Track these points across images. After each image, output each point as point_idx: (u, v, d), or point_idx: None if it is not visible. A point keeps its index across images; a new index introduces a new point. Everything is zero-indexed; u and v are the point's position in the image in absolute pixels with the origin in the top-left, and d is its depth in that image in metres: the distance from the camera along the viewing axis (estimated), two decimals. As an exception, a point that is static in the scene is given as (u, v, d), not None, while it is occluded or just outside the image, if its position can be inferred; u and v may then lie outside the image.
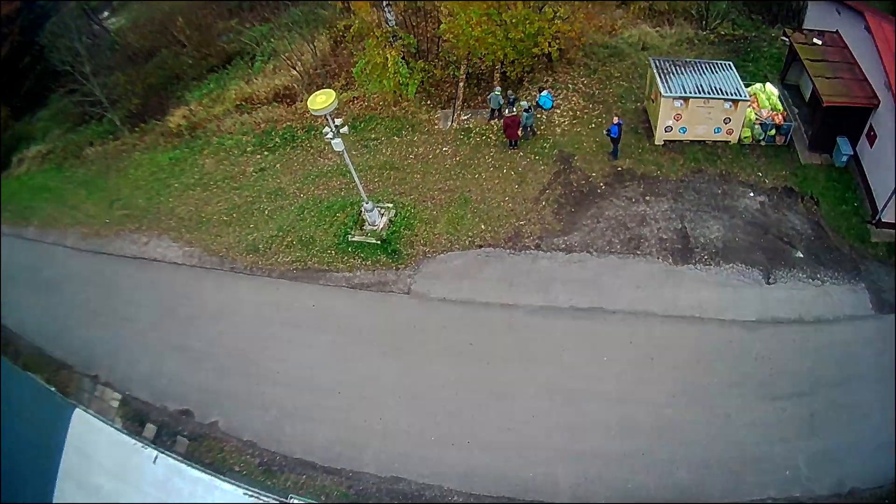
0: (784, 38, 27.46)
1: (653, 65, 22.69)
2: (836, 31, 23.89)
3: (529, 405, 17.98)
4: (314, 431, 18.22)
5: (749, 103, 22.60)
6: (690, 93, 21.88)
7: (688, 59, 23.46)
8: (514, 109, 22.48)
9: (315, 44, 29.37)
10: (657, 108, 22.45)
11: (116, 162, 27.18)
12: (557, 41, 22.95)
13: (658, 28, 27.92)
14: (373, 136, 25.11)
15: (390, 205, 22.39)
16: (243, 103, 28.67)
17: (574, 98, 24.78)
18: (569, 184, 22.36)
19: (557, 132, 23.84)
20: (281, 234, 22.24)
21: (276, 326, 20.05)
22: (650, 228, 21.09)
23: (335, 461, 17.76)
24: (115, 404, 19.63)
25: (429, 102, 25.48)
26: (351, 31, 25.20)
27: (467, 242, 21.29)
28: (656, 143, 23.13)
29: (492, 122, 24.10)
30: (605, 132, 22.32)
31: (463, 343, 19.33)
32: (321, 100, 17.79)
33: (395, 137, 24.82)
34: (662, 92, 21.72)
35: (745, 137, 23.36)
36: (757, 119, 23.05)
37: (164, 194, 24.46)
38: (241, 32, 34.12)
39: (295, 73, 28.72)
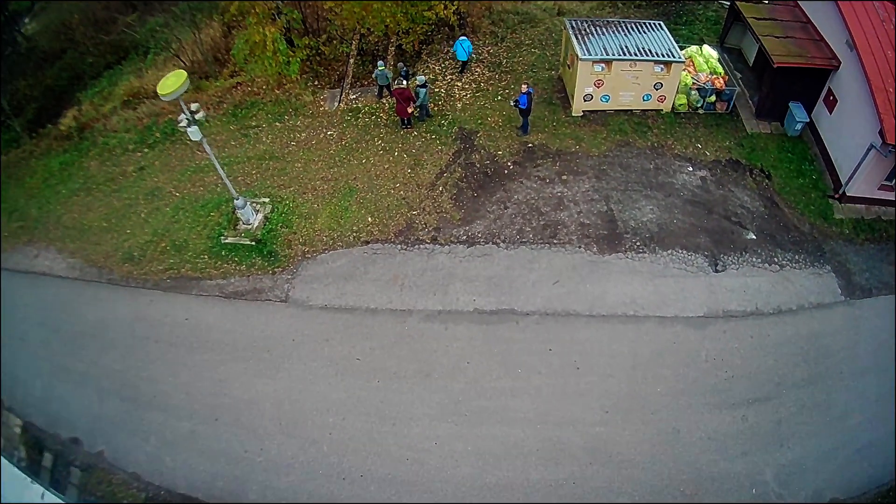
0: (722, 1, 24.61)
1: (568, 26, 19.39)
2: (787, -13, 21.19)
3: (431, 429, 14.65)
4: (195, 463, 14.80)
5: (684, 66, 19.28)
6: (613, 54, 18.50)
7: (609, 19, 20.12)
8: (407, 84, 18.72)
9: (203, 32, 25.66)
10: (574, 74, 19.00)
11: (16, 171, 23.27)
12: (456, 4, 19.35)
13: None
14: (253, 123, 21.28)
15: (266, 199, 18.44)
16: (131, 99, 24.87)
17: (478, 68, 21.29)
18: (470, 165, 18.62)
19: (458, 107, 20.26)
20: (155, 239, 18.44)
21: (151, 344, 16.49)
22: (569, 213, 17.41)
23: (219, 497, 14.28)
24: (18, 430, 16.40)
25: (317, 83, 21.83)
26: (231, 9, 21.38)
27: (352, 238, 17.32)
28: (574, 114, 19.69)
29: (382, 100, 20.41)
30: (511, 103, 18.73)
31: (349, 358, 15.62)
32: (171, 82, 14.45)
33: (277, 123, 21.00)
34: (579, 54, 18.29)
35: (681, 105, 20.09)
36: (694, 84, 19.80)
37: (54, 202, 20.94)
38: (138, 26, 30.54)
39: (180, 63, 24.83)
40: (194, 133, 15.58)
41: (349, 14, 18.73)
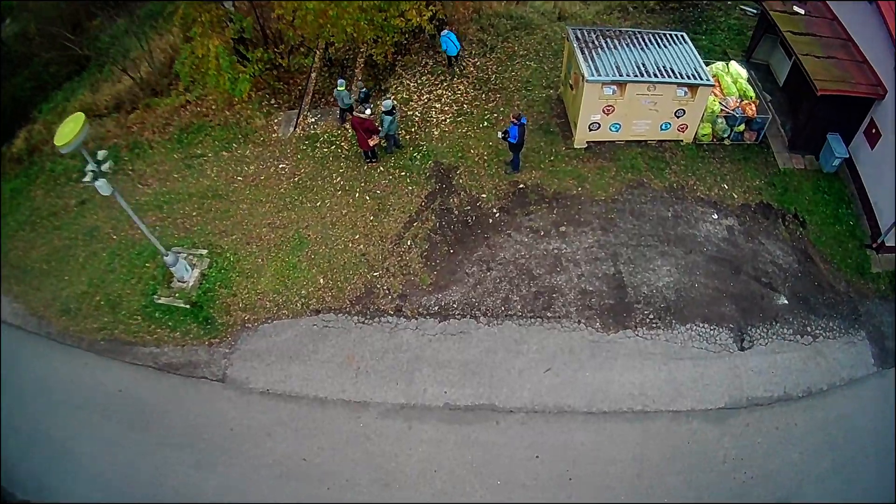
0: (744, 7, 20.91)
1: (571, 36, 15.74)
2: (822, -1, 18.06)
3: (388, 555, 11.63)
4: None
5: (711, 89, 15.70)
6: (627, 75, 14.95)
7: (622, 29, 16.52)
8: (369, 111, 15.31)
9: (163, 40, 21.85)
10: (578, 97, 15.46)
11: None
12: (432, 9, 15.70)
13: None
14: (199, 151, 17.74)
15: (204, 252, 15.16)
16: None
17: (460, 85, 17.56)
18: (447, 212, 15.15)
19: (435, 134, 16.60)
20: (91, 290, 15.47)
21: (86, 414, 13.76)
22: (567, 276, 14.09)
23: None
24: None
25: (273, 101, 18.20)
26: (175, 17, 17.67)
27: (300, 305, 14.03)
28: (576, 145, 16.17)
29: (344, 125, 16.88)
30: (499, 136, 15.17)
31: (294, 458, 12.66)
32: (68, 130, 11.60)
33: (224, 152, 17.47)
34: (586, 74, 14.72)
35: (704, 136, 16.70)
36: (722, 110, 16.27)
37: (3, 235, 17.63)
38: (101, 32, 26.68)
39: (128, 78, 21.16)
40: (103, 188, 12.59)
41: (302, 23, 15.06)
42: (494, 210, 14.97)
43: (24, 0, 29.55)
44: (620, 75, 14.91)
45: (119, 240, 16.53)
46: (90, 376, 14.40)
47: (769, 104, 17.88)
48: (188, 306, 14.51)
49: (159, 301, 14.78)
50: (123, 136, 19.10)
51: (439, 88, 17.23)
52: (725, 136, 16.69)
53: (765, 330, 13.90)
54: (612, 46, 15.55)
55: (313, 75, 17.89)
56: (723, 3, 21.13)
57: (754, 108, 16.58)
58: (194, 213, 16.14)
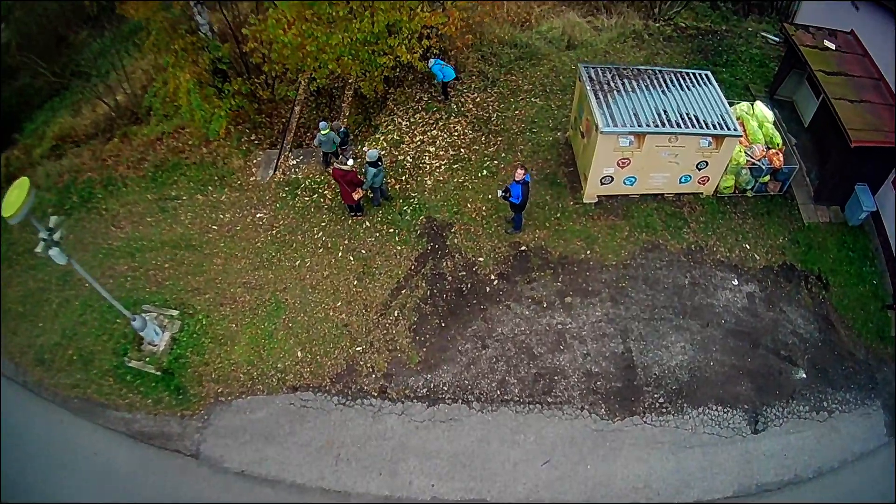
0: (766, 35, 19.26)
1: (584, 76, 14.02)
2: (852, 32, 16.25)
3: None
4: None
5: (739, 139, 14.24)
6: (647, 124, 13.33)
7: (639, 67, 14.74)
8: (351, 162, 13.48)
9: (145, 61, 19.85)
10: (590, 147, 13.86)
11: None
12: (425, 43, 14.10)
13: (591, 17, 18.98)
14: (173, 192, 16.05)
15: (175, 312, 13.70)
16: (60, 143, 19.41)
17: (458, 125, 15.74)
18: (440, 277, 13.60)
19: (428, 184, 14.88)
20: (64, 342, 14.12)
21: (63, 474, 12.51)
22: (571, 356, 12.69)
23: None
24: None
25: (253, 137, 16.45)
26: (146, 44, 15.90)
27: (275, 381, 12.64)
28: (586, 200, 14.58)
29: (328, 169, 15.24)
30: (499, 195, 13.39)
31: None
32: (13, 199, 10.34)
33: (199, 195, 15.81)
34: (601, 125, 13.05)
35: (726, 188, 15.14)
36: (747, 161, 14.75)
37: None
38: (87, 46, 24.41)
39: (104, 105, 19.37)
40: (58, 257, 11.20)
41: (279, 57, 13.41)
42: (492, 277, 13.42)
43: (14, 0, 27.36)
44: (639, 125, 13.24)
45: (90, 287, 15.17)
46: (66, 434, 13.23)
47: (794, 148, 16.35)
48: (159, 373, 13.15)
49: (130, 364, 13.41)
50: (98, 170, 17.44)
51: (434, 129, 15.48)
52: (749, 187, 15.22)
53: (780, 409, 12.68)
54: (629, 89, 13.87)
55: (297, 108, 16.12)
56: (743, 29, 19.44)
57: (781, 158, 15.02)
58: (167, 265, 14.63)
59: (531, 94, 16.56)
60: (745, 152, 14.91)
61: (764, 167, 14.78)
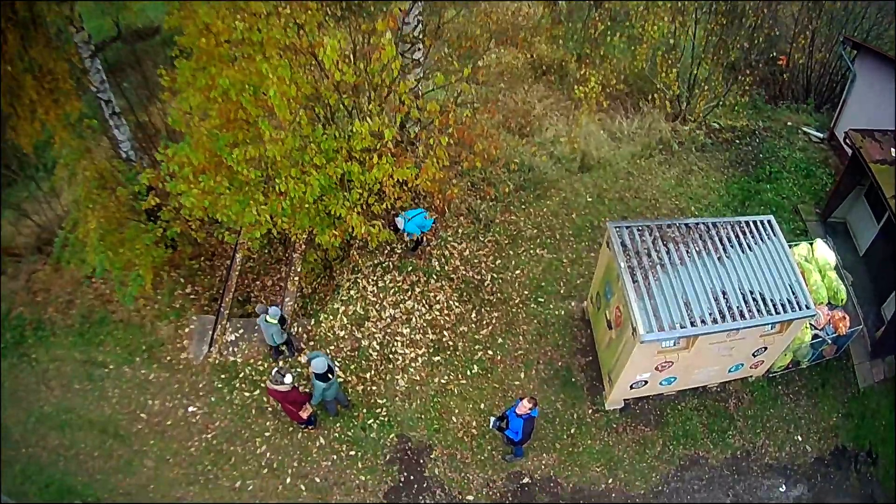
0: (808, 131, 16.02)
1: (615, 244, 10.09)
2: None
3: None
4: None
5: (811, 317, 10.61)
6: (701, 318, 9.51)
7: (687, 222, 10.66)
8: (289, 378, 9.58)
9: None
10: (622, 348, 10.21)
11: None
12: (388, 201, 10.77)
13: (605, 115, 15.15)
14: (100, 357, 12.49)
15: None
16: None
17: (439, 293, 12.09)
18: (415, 523, 10.36)
19: (400, 385, 11.25)
20: None
21: None
22: None
23: None
24: None
25: (189, 290, 12.82)
26: (57, 167, 12.37)
27: None
28: (609, 407, 11.10)
29: (277, 362, 11.58)
30: (492, 424, 9.69)
31: None
32: None
33: (127, 367, 12.23)
34: (642, 329, 9.29)
35: (779, 367, 11.72)
36: (812, 334, 11.45)
37: None
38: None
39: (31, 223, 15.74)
40: None
41: (199, 210, 9.93)
42: (484, 522, 10.08)
43: None
44: (691, 322, 9.43)
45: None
46: None
47: (852, 288, 12.99)
48: None
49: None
50: (30, 306, 13.75)
51: (409, 299, 11.77)
52: (805, 360, 11.88)
53: None
54: (675, 260, 9.97)
55: (238, 256, 12.34)
56: (781, 125, 16.02)
57: (848, 323, 11.69)
58: (96, 453, 11.22)
59: (536, 242, 12.87)
60: (811, 324, 11.59)
61: (829, 335, 11.45)
